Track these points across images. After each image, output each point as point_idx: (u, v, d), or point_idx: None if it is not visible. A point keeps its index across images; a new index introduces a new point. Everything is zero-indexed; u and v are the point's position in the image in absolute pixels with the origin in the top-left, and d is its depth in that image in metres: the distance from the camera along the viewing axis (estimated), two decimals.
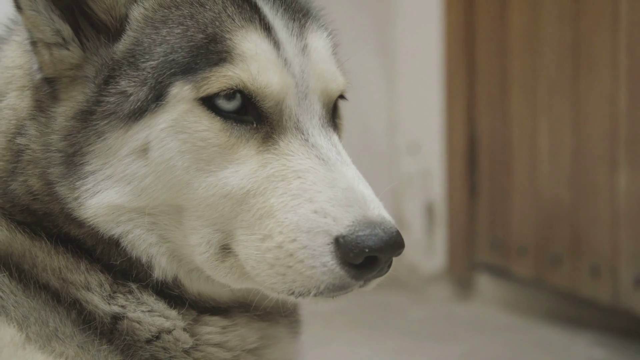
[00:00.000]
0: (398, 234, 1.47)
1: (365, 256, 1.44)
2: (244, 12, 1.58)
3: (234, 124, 1.53)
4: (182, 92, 1.51)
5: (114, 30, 1.57)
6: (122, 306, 1.57)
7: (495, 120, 4.75)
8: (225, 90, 1.52)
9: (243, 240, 1.51)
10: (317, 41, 1.67)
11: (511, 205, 4.65)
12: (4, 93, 1.64)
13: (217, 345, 1.64)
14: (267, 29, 1.58)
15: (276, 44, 1.58)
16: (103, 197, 1.53)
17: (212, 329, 1.64)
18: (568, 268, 4.25)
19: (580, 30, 4.13)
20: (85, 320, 1.52)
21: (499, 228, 4.75)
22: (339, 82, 1.70)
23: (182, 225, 1.56)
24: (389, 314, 4.59)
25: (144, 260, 1.58)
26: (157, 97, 1.51)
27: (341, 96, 1.74)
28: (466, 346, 4.02)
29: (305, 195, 1.48)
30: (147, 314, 1.58)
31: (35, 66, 1.59)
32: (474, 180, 4.96)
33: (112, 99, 1.52)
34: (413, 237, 5.23)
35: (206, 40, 1.53)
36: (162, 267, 1.59)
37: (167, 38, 1.54)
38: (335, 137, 1.62)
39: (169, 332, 1.59)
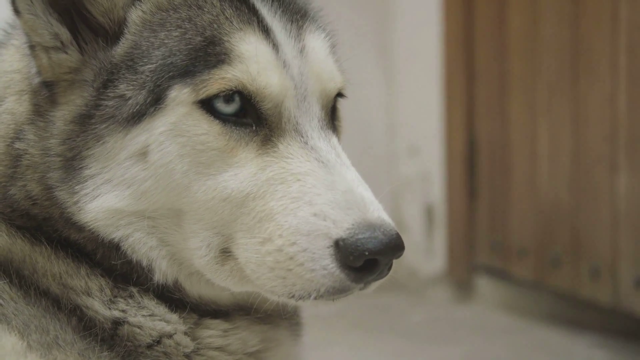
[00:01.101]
0: (398, 236, 1.46)
1: (365, 259, 1.43)
2: (242, 14, 1.57)
3: (233, 127, 1.52)
4: (180, 95, 1.50)
5: (112, 34, 1.57)
6: (123, 311, 1.56)
7: (495, 122, 4.75)
8: (224, 91, 1.51)
9: (243, 243, 1.50)
10: (315, 42, 1.66)
11: (511, 207, 4.65)
12: (2, 97, 1.64)
13: (219, 348, 1.63)
14: (265, 30, 1.58)
15: (275, 45, 1.58)
16: (102, 201, 1.53)
17: (213, 332, 1.64)
18: (568, 270, 4.25)
19: (579, 32, 4.13)
20: (86, 326, 1.51)
21: (499, 230, 4.74)
22: (337, 80, 1.69)
23: (181, 229, 1.55)
24: (389, 316, 4.58)
25: (144, 263, 1.57)
26: (155, 101, 1.50)
27: (340, 94, 1.74)
28: (466, 349, 4.01)
29: (304, 198, 1.48)
30: (148, 319, 1.58)
31: (34, 70, 1.58)
32: (474, 182, 4.95)
33: (110, 103, 1.52)
34: (413, 240, 5.22)
35: (204, 43, 1.52)
36: (163, 271, 1.58)
37: (166, 41, 1.53)
38: (334, 139, 1.61)
39: (170, 336, 1.59)
